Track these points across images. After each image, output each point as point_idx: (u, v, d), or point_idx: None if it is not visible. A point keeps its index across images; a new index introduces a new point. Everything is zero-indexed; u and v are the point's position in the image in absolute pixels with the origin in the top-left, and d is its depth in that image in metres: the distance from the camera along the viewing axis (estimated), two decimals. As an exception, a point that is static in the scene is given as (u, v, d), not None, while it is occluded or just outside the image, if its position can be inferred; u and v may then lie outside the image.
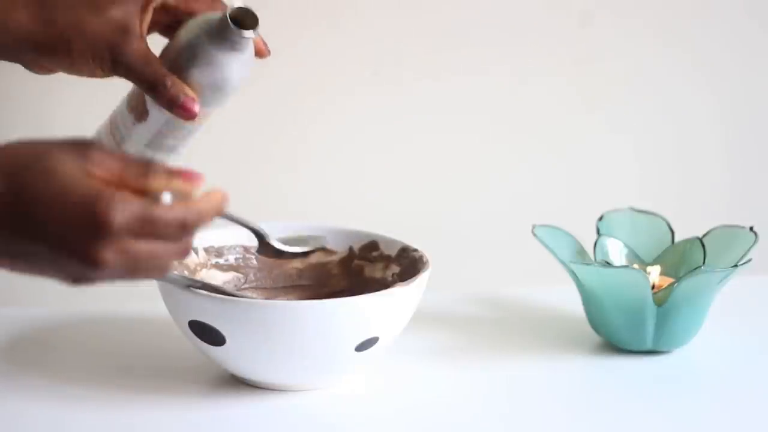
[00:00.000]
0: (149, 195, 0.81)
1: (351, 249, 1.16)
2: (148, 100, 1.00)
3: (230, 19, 0.97)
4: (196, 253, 1.13)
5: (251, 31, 0.98)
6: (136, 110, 1.02)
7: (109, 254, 0.79)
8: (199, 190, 0.83)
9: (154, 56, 0.98)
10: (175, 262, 1.01)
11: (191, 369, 1.10)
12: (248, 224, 1.02)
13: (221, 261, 1.16)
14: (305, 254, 1.07)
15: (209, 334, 1.01)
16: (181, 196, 0.82)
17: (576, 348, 1.16)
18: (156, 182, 0.81)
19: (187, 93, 0.98)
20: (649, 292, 1.11)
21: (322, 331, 1.00)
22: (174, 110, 0.97)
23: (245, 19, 0.98)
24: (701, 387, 1.10)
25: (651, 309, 1.12)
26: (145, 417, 1.02)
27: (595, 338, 1.18)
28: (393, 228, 1.18)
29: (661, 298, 1.12)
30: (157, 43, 1.01)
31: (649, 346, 1.14)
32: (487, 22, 1.48)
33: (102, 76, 1.00)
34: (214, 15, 0.98)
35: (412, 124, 1.49)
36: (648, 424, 1.03)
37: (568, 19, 1.49)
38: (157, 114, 1.00)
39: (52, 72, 1.00)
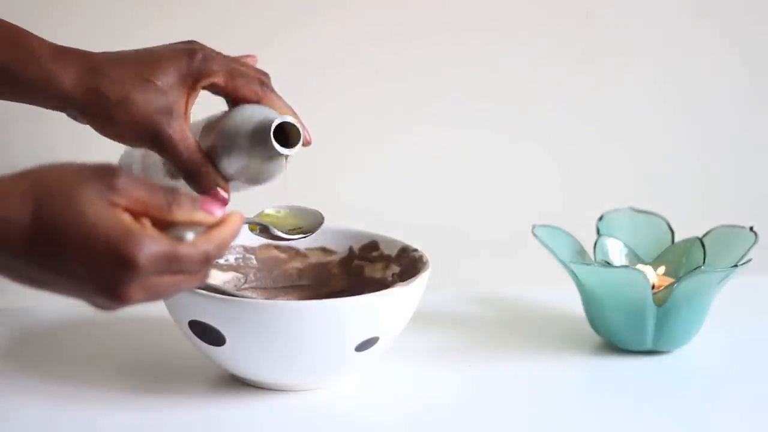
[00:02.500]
0: (174, 227, 0.82)
1: (351, 249, 1.17)
2: None
3: (274, 131, 0.97)
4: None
5: (291, 149, 0.99)
6: (170, 169, 1.03)
7: (134, 291, 0.80)
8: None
9: (193, 140, 0.99)
10: None
11: (191, 369, 1.10)
12: (251, 220, 1.02)
13: (221, 261, 1.16)
14: (304, 236, 1.05)
15: (209, 334, 1.02)
16: (202, 226, 0.83)
17: (576, 348, 1.16)
18: (180, 213, 0.82)
19: (220, 184, 0.99)
20: (649, 292, 1.11)
21: (322, 331, 1.00)
22: (205, 196, 0.98)
23: (289, 131, 0.99)
24: (701, 387, 1.10)
25: (651, 309, 1.12)
26: (145, 417, 1.02)
27: (595, 338, 1.18)
28: (393, 228, 1.18)
29: (661, 298, 1.12)
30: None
31: (649, 346, 1.14)
32: (487, 22, 1.48)
33: (137, 147, 1.01)
34: (261, 120, 0.99)
35: (413, 124, 1.49)
36: (648, 424, 1.03)
37: (571, 17, 1.49)
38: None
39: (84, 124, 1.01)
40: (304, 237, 1.04)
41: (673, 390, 1.09)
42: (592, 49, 1.51)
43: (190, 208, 0.83)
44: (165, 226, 0.82)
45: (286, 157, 0.99)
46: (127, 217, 0.80)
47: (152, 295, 0.81)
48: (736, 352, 1.17)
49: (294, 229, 1.04)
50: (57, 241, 0.79)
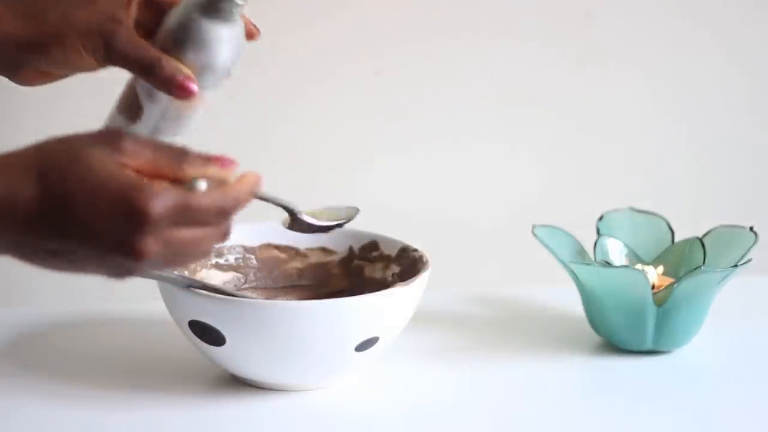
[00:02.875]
0: (185, 183, 0.81)
1: (351, 249, 1.16)
2: (141, 94, 1.00)
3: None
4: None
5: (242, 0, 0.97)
6: (128, 110, 1.01)
7: (151, 245, 0.80)
8: (234, 175, 0.83)
9: (146, 41, 0.98)
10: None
11: (191, 369, 1.10)
12: (279, 201, 1.00)
13: (221, 261, 1.16)
14: (339, 226, 1.04)
15: (209, 334, 1.01)
16: (216, 182, 0.82)
17: (576, 348, 1.16)
18: (191, 170, 0.82)
19: (183, 71, 0.96)
20: (649, 292, 1.11)
21: (322, 331, 1.00)
22: (171, 90, 0.96)
23: None
24: (701, 387, 1.10)
25: (651, 309, 1.12)
26: (145, 417, 1.02)
27: (595, 338, 1.18)
28: (393, 228, 1.18)
29: (661, 298, 1.12)
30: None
31: (649, 346, 1.14)
32: (487, 23, 1.48)
33: (93, 68, 0.98)
34: None
35: (413, 124, 1.49)
36: (648, 424, 1.03)
37: (571, 18, 1.49)
38: (152, 108, 1.00)
39: (39, 81, 0.99)
40: (339, 226, 1.03)
41: (673, 390, 1.09)
42: (592, 50, 1.51)
43: (201, 164, 0.82)
44: (178, 183, 0.82)
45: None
46: (137, 175, 0.80)
47: (170, 249, 0.81)
48: (736, 352, 1.17)
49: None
50: (66, 202, 0.78)
